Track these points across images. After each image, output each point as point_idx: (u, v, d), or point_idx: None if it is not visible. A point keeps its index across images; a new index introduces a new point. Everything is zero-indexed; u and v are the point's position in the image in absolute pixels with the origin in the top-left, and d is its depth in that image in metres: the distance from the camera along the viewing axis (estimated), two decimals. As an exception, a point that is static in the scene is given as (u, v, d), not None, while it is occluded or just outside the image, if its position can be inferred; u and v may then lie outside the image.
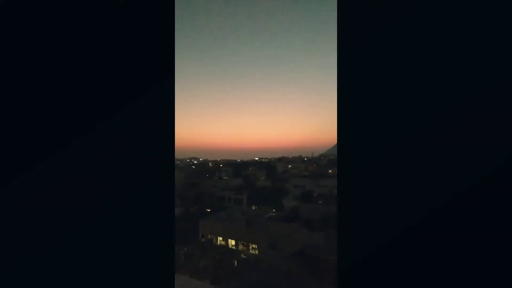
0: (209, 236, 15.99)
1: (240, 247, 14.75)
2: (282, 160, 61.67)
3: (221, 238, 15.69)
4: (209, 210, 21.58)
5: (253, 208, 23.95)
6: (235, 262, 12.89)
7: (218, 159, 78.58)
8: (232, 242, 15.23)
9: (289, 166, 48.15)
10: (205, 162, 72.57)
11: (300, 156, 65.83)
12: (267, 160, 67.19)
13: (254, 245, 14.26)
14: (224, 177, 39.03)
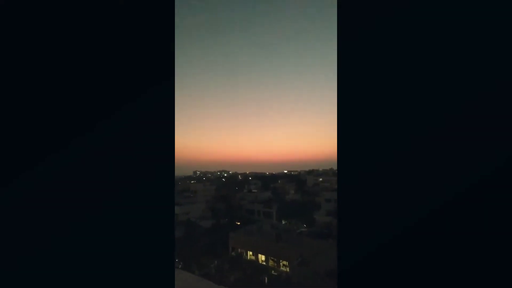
0: (239, 250, 15.85)
1: (271, 263, 14.30)
2: (312, 173, 59.83)
3: (251, 253, 15.43)
4: (238, 223, 21.57)
5: (283, 222, 23.31)
6: (266, 278, 12.48)
7: (247, 172, 79.28)
8: (262, 258, 14.86)
9: (320, 179, 46.42)
10: (235, 175, 73.73)
11: (331, 169, 63.22)
12: (296, 172, 65.80)
13: (285, 262, 13.71)
14: (253, 190, 39.02)
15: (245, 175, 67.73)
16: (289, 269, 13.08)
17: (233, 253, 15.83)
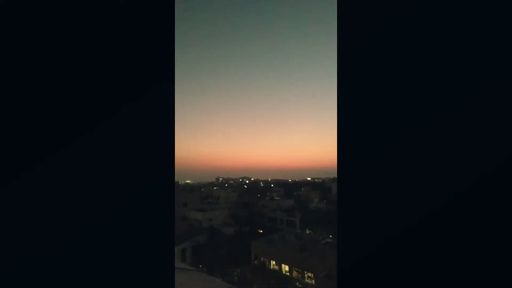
0: (262, 258, 15.53)
1: (295, 273, 13.75)
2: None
3: (274, 262, 15.02)
4: (260, 231, 21.27)
5: (307, 232, 22.53)
6: (290, 290, 11.97)
7: (269, 179, 78.77)
8: (286, 268, 14.37)
9: (346, 187, 44.37)
10: (256, 181, 73.68)
11: (357, 177, 60.30)
12: (320, 180, 63.89)
13: (310, 274, 13.09)
14: (276, 198, 38.50)
15: (267, 182, 67.40)
16: (315, 282, 12.44)
17: (255, 262, 15.53)
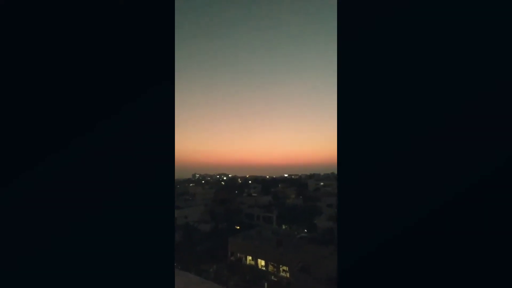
0: (238, 254, 15.56)
1: (270, 268, 13.99)
2: (313, 177, 59.55)
3: (250, 258, 15.13)
4: (238, 227, 21.29)
5: (284, 227, 23.01)
6: (265, 284, 12.18)
7: (247, 175, 78.96)
8: (262, 263, 14.56)
9: (321, 183, 46.11)
10: (234, 178, 73.45)
11: (332, 173, 62.93)
12: (297, 176, 65.51)
13: (285, 267, 13.41)
14: (253, 194, 38.73)
15: (245, 179, 67.50)
16: (289, 275, 12.78)
17: (232, 258, 15.53)
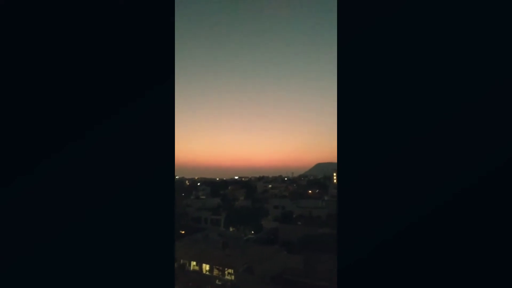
0: (181, 261, 14.74)
1: (215, 272, 13.69)
2: (262, 179, 61.24)
3: (194, 263, 14.52)
4: (183, 232, 20.22)
5: (231, 229, 22.92)
6: (209, 289, 11.84)
7: (196, 177, 76.16)
8: (206, 267, 14.13)
9: (269, 186, 47.78)
10: (182, 180, 69.83)
11: (280, 176, 65.97)
12: (247, 179, 66.35)
13: (230, 270, 13.31)
14: (202, 197, 37.49)
15: (193, 181, 64.87)
16: (234, 277, 12.74)
17: (174, 265, 14.61)
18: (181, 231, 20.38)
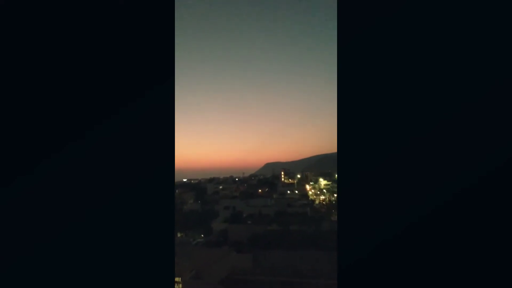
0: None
1: (160, 283, 12.79)
2: (213, 180, 60.11)
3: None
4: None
5: (179, 235, 21.79)
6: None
7: (140, 182, 69.32)
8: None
9: (220, 187, 47.22)
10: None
11: (231, 176, 65.89)
12: (196, 181, 64.04)
13: (177, 279, 12.65)
14: (146, 202, 34.40)
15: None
16: (181, 285, 12.15)
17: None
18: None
